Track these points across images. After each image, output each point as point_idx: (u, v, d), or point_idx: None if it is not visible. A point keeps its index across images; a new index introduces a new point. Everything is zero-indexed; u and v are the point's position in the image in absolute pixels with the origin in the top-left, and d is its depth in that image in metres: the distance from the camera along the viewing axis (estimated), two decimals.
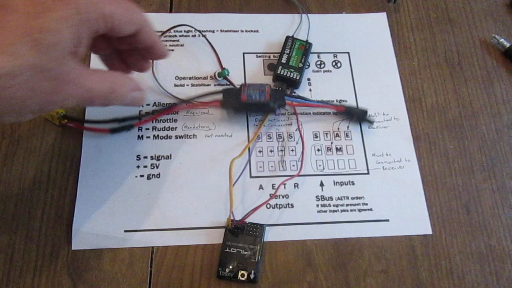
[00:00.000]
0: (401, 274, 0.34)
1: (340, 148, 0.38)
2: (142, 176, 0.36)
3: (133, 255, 0.33)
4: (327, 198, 0.36)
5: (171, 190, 0.35)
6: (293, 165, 0.37)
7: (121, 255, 0.33)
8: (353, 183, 0.37)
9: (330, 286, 0.33)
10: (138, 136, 0.37)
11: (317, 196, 0.36)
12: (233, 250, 0.33)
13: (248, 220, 0.34)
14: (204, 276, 0.33)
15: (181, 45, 0.41)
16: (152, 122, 0.38)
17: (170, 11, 0.43)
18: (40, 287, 0.31)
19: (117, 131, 0.36)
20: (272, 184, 0.36)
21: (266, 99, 0.36)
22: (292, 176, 0.36)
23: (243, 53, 0.41)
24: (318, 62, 0.42)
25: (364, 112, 0.38)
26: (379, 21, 0.44)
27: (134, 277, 0.32)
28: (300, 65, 0.39)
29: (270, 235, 0.34)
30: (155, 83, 0.39)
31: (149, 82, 0.39)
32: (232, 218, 0.33)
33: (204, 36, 0.41)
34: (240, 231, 0.33)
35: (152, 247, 0.33)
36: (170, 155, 0.37)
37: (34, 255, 0.32)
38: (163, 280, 0.32)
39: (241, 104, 0.36)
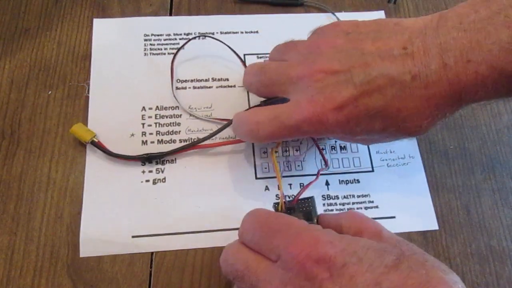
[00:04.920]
0: None
1: (344, 146, 0.38)
2: (147, 181, 0.35)
3: (133, 256, 0.33)
4: (333, 197, 0.36)
5: (177, 194, 0.35)
6: (298, 165, 0.37)
7: (121, 256, 0.33)
8: (358, 181, 0.37)
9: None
10: (142, 141, 0.37)
11: (323, 195, 0.36)
12: None
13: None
14: (204, 277, 0.33)
15: (181, 48, 0.41)
16: (156, 126, 0.38)
17: (170, 12, 0.43)
18: (40, 287, 0.31)
19: (146, 162, 0.36)
20: (278, 185, 0.36)
21: None
22: (317, 176, 0.35)
23: (244, 54, 0.41)
24: None
25: None
26: None
27: (134, 278, 0.32)
28: None
29: None
30: (155, 87, 0.39)
31: (150, 86, 0.39)
32: (284, 200, 0.32)
33: (219, 40, 0.40)
34: (291, 212, 0.32)
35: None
36: (175, 159, 0.36)
37: (34, 255, 0.32)
38: (163, 281, 0.32)
39: None
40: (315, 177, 0.35)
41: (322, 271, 0.22)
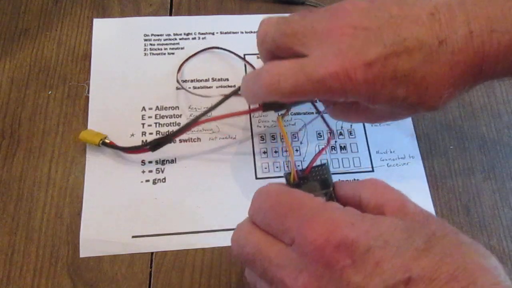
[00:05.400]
0: None
1: (344, 146, 0.38)
2: (147, 181, 0.35)
3: (133, 256, 0.33)
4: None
5: (178, 194, 0.35)
6: (298, 165, 0.37)
7: (121, 256, 0.33)
8: None
9: None
10: (142, 141, 0.37)
11: None
12: None
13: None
14: (204, 277, 0.33)
15: (182, 48, 0.41)
16: (156, 126, 0.38)
17: (170, 12, 0.43)
18: (40, 287, 0.31)
19: (158, 147, 0.35)
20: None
21: None
22: (328, 142, 0.35)
23: (244, 54, 0.41)
24: None
25: None
26: None
27: (134, 278, 0.32)
28: None
29: None
30: (155, 87, 0.39)
31: (150, 86, 0.39)
32: (296, 170, 0.29)
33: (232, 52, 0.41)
34: (305, 182, 0.29)
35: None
36: (175, 159, 0.36)
37: (34, 255, 0.32)
38: (163, 281, 0.32)
39: (285, 105, 0.32)
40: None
41: (343, 257, 0.20)
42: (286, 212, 0.23)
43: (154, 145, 0.35)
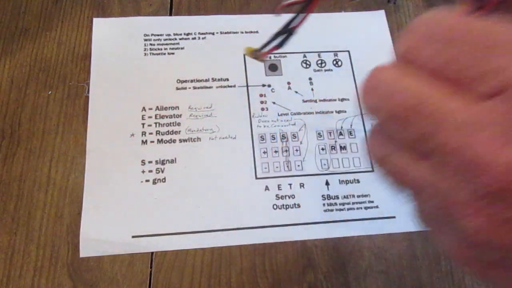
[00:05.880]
0: (401, 274, 0.34)
1: (344, 146, 0.38)
2: (147, 181, 0.36)
3: (133, 256, 0.33)
4: (333, 197, 0.36)
5: (178, 194, 0.35)
6: (298, 165, 0.37)
7: (121, 256, 0.33)
8: (358, 181, 0.37)
9: (330, 287, 0.33)
10: (142, 141, 0.37)
11: (323, 196, 0.36)
12: None
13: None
14: (204, 277, 0.33)
15: (182, 48, 0.41)
16: (156, 126, 0.38)
17: (170, 12, 0.43)
18: (40, 287, 0.31)
19: (284, 43, 0.32)
20: (278, 185, 0.36)
21: None
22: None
23: (244, 55, 0.41)
24: (319, 61, 0.42)
25: None
26: (378, 19, 0.44)
27: (134, 278, 0.32)
28: None
29: (275, 236, 0.34)
30: (155, 87, 0.39)
31: (150, 86, 0.39)
32: None
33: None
34: None
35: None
36: (175, 159, 0.37)
37: (34, 255, 0.32)
38: (163, 281, 0.32)
39: None
40: None
41: None
42: (487, 45, 0.13)
43: (282, 39, 0.32)
